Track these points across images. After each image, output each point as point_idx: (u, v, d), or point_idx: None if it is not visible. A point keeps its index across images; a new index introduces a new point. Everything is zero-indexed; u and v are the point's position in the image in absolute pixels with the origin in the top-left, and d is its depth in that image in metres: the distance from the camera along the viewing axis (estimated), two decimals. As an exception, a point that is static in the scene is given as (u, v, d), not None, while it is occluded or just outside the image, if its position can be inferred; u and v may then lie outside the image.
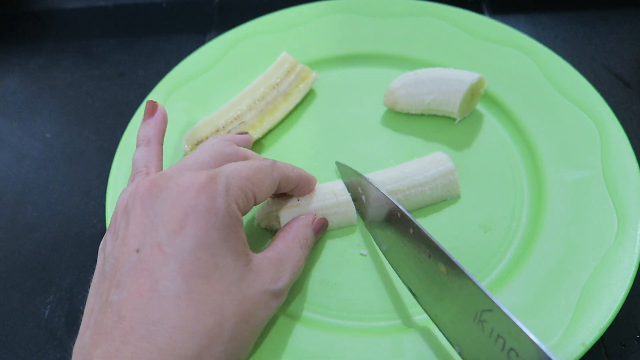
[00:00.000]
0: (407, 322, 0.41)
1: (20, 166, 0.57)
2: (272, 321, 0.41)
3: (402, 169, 0.46)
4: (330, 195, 0.45)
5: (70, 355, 0.43)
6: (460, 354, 0.34)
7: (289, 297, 0.42)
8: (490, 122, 0.52)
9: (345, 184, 0.46)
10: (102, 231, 0.45)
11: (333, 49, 0.59)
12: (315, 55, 0.58)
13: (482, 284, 0.32)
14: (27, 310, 0.47)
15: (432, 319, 0.37)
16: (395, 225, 0.40)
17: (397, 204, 0.40)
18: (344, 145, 0.52)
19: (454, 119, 0.52)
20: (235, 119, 0.51)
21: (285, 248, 0.40)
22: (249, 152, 0.42)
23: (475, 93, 0.51)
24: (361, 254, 0.45)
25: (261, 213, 0.46)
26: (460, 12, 0.59)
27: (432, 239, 0.36)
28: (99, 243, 0.38)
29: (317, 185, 0.46)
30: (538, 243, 0.44)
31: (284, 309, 0.42)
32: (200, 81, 0.57)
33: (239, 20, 0.61)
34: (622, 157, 0.46)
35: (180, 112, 0.54)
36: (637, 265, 0.41)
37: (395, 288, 0.43)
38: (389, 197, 0.41)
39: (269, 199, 0.46)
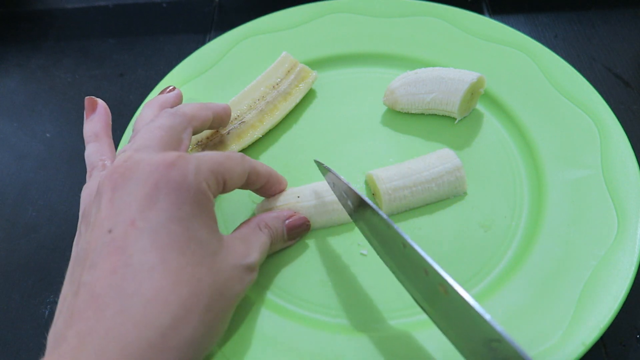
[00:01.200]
0: (407, 321, 0.41)
1: (20, 166, 0.57)
2: (272, 321, 0.41)
3: (409, 165, 0.46)
4: (331, 190, 0.45)
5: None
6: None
7: (289, 296, 0.43)
8: (490, 121, 0.52)
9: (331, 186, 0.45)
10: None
11: (333, 48, 0.59)
12: (315, 54, 0.58)
13: (488, 315, 0.30)
14: (27, 310, 0.47)
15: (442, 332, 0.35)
16: (386, 239, 0.38)
17: (386, 218, 0.38)
18: (344, 144, 0.52)
19: (454, 119, 0.52)
20: (235, 118, 0.51)
21: (249, 230, 0.41)
22: (194, 109, 0.43)
23: (475, 92, 0.51)
24: (361, 254, 0.45)
25: (260, 210, 0.46)
26: (460, 12, 0.59)
27: (428, 259, 0.34)
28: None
29: (318, 182, 0.46)
30: (538, 242, 0.43)
31: (284, 309, 0.42)
32: (200, 81, 0.57)
33: (239, 20, 0.61)
34: (622, 156, 0.46)
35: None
36: (637, 264, 0.41)
37: (396, 288, 0.42)
38: (376, 209, 0.39)
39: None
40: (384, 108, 0.54)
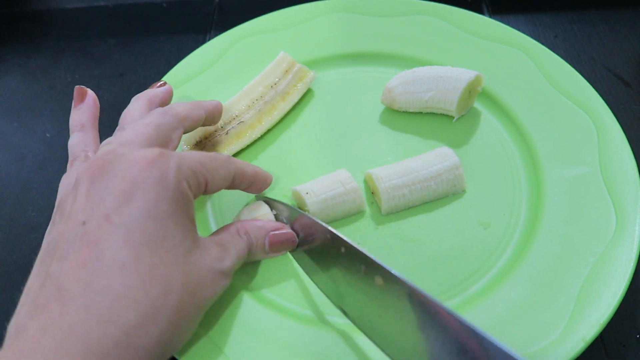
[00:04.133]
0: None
1: (20, 166, 0.57)
2: (272, 321, 0.41)
3: (408, 164, 0.46)
4: (337, 184, 0.45)
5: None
6: None
7: (290, 296, 0.43)
8: (488, 119, 0.52)
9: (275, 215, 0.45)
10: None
11: (332, 48, 0.59)
12: (313, 54, 0.58)
13: (426, 293, 0.30)
14: (26, 309, 0.47)
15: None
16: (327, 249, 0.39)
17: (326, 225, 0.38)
18: (343, 143, 0.52)
19: (452, 117, 0.52)
20: (234, 118, 0.51)
21: (227, 235, 0.39)
22: (187, 109, 0.43)
23: (472, 91, 0.51)
24: (360, 252, 0.45)
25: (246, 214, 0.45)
26: (458, 11, 0.59)
27: (366, 253, 0.34)
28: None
29: (323, 176, 0.47)
30: (537, 240, 0.43)
31: (284, 308, 0.42)
32: (199, 80, 0.57)
33: (238, 20, 0.62)
34: (620, 153, 0.46)
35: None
36: (636, 260, 0.40)
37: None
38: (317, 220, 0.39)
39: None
40: (382, 107, 0.54)
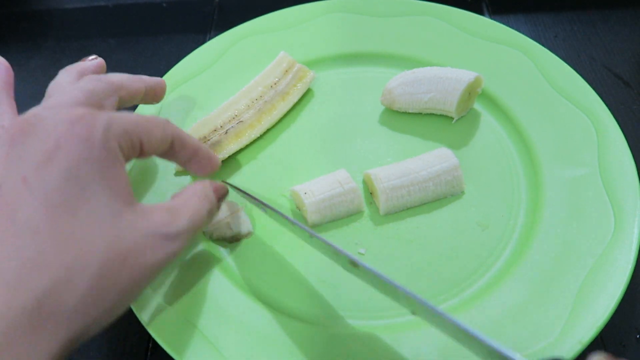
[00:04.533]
0: (405, 320, 0.41)
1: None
2: (270, 320, 0.41)
3: (407, 165, 0.46)
4: (335, 184, 0.45)
5: (70, 355, 0.43)
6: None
7: (288, 296, 0.43)
8: (488, 120, 0.52)
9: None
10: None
11: (331, 48, 0.59)
12: (313, 54, 0.58)
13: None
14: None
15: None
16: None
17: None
18: (342, 143, 0.52)
19: (452, 118, 0.52)
20: (233, 118, 0.51)
21: (180, 200, 0.37)
22: (123, 78, 0.40)
23: (472, 92, 0.51)
24: (359, 253, 0.45)
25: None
26: (457, 11, 0.59)
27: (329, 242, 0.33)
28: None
29: (322, 176, 0.47)
30: (535, 241, 0.43)
31: (283, 308, 0.42)
32: (199, 80, 0.57)
33: (238, 20, 0.62)
34: (619, 154, 0.46)
35: (179, 111, 0.54)
36: (634, 262, 0.40)
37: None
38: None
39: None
40: (382, 108, 0.54)
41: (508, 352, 0.27)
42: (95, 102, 0.36)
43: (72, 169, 0.30)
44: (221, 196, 0.41)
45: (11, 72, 0.43)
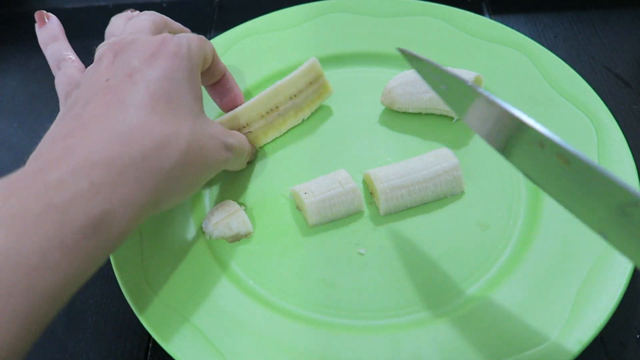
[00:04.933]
0: (405, 320, 0.41)
1: (20, 166, 0.57)
2: (270, 320, 0.41)
3: (407, 165, 0.46)
4: (336, 184, 0.45)
5: (70, 356, 0.43)
6: (606, 240, 0.30)
7: (288, 295, 0.43)
8: (489, 121, 0.52)
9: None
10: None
11: (331, 48, 0.59)
12: (313, 54, 0.58)
13: (619, 178, 0.28)
14: (26, 309, 0.47)
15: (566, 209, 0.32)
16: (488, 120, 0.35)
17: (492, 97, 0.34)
18: (342, 143, 0.52)
19: (452, 118, 0.52)
20: (243, 127, 0.50)
21: (231, 130, 0.45)
22: (168, 18, 0.48)
23: (473, 92, 0.51)
24: (359, 253, 0.45)
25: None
26: (458, 11, 0.59)
27: (543, 131, 0.31)
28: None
29: (322, 176, 0.47)
30: (535, 241, 0.43)
31: (280, 307, 0.42)
32: (199, 80, 0.57)
33: (238, 20, 0.62)
34: (619, 155, 0.46)
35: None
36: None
37: (393, 287, 0.43)
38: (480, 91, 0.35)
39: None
40: (382, 107, 0.54)
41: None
42: (158, 31, 0.44)
43: (168, 72, 0.37)
44: (255, 150, 0.51)
45: (61, 24, 0.49)
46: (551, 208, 0.45)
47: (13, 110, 0.63)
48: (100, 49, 0.40)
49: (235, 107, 0.50)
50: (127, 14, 0.49)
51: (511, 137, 0.33)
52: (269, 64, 0.58)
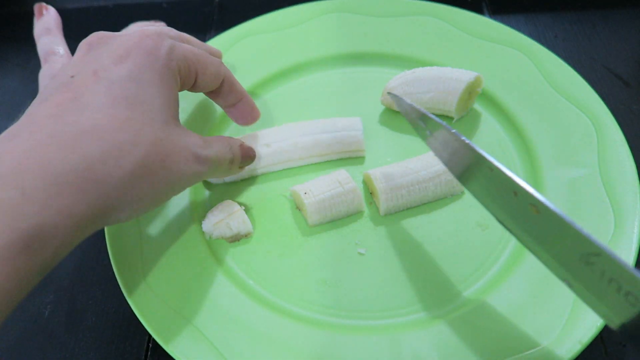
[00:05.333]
0: (404, 320, 0.41)
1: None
2: (270, 320, 0.41)
3: (407, 165, 0.46)
4: (335, 184, 0.46)
5: (70, 356, 0.43)
6: (570, 287, 0.32)
7: (288, 296, 0.43)
8: (488, 120, 0.52)
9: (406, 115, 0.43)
10: (102, 230, 0.45)
11: (331, 48, 0.59)
12: (313, 54, 0.58)
13: (585, 230, 0.29)
14: (27, 310, 0.47)
15: (532, 253, 0.34)
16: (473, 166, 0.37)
17: (463, 138, 0.36)
18: (342, 144, 0.52)
19: (452, 118, 0.52)
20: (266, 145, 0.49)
21: (211, 139, 0.41)
22: (185, 34, 0.45)
23: (472, 92, 0.51)
24: (359, 253, 0.45)
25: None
26: (458, 11, 0.59)
27: (515, 178, 0.32)
28: (99, 243, 0.38)
29: (321, 177, 0.47)
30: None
31: (280, 307, 0.42)
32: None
33: (238, 20, 0.62)
34: (619, 155, 0.46)
35: (179, 110, 0.54)
36: (634, 262, 0.40)
37: (393, 286, 0.43)
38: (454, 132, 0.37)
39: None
40: (382, 108, 0.54)
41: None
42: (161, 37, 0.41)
43: (136, 72, 0.35)
44: (246, 155, 0.45)
45: (60, 18, 0.48)
46: (551, 208, 0.45)
47: (13, 110, 0.63)
48: (80, 43, 0.39)
49: (253, 121, 0.49)
50: (148, 22, 0.50)
51: (488, 184, 0.35)
52: (269, 64, 0.58)
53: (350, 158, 0.51)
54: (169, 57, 0.37)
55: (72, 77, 0.34)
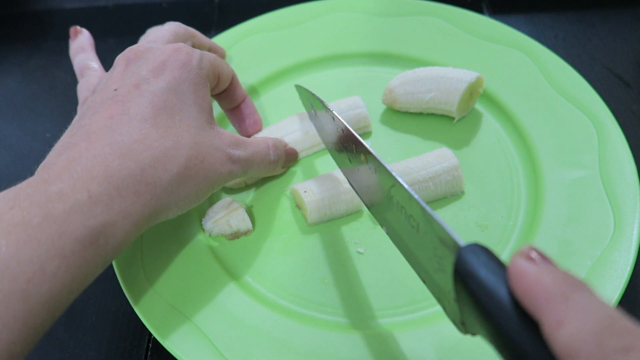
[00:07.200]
0: (403, 319, 0.41)
1: (20, 166, 0.57)
2: (268, 318, 0.41)
3: (407, 164, 0.46)
4: (336, 183, 0.46)
5: (70, 356, 0.43)
6: (387, 234, 0.37)
7: (285, 294, 0.43)
8: (489, 121, 0.52)
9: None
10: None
11: (332, 47, 0.59)
12: (314, 53, 0.58)
13: (386, 163, 0.35)
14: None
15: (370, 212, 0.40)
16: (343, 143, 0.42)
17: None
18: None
19: (453, 118, 0.52)
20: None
21: (251, 140, 0.44)
22: (194, 30, 0.51)
23: (473, 92, 0.51)
24: (358, 252, 0.45)
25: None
26: (459, 11, 0.59)
27: (357, 136, 0.39)
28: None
29: (321, 175, 0.47)
30: (534, 242, 0.43)
31: (280, 306, 0.42)
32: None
33: (238, 19, 0.62)
34: (619, 156, 0.46)
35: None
36: (633, 265, 0.40)
37: (391, 285, 0.43)
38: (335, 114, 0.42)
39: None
40: (383, 107, 0.54)
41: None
42: (178, 41, 0.46)
43: (174, 84, 0.39)
44: (290, 157, 0.49)
45: (91, 38, 0.52)
46: (551, 209, 0.45)
47: (13, 110, 0.63)
48: (117, 58, 0.42)
49: (255, 132, 0.51)
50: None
51: (339, 141, 0.42)
52: (269, 64, 0.58)
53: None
54: (200, 67, 0.41)
55: (116, 90, 0.38)
